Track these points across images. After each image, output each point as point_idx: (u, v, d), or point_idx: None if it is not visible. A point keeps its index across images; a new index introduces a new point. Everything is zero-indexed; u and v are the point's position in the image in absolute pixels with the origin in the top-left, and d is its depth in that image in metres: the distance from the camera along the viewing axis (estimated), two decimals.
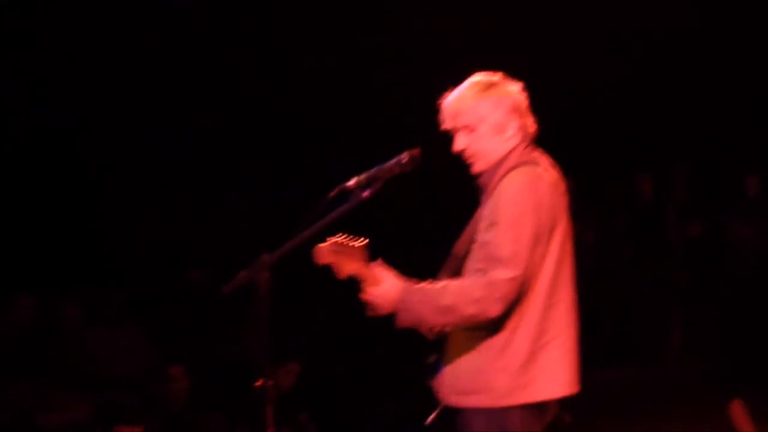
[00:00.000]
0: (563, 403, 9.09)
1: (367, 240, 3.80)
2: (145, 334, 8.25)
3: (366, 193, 3.80)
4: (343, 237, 3.77)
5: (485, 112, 3.83)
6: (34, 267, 8.72)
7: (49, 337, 7.83)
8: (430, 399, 3.94)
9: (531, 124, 3.91)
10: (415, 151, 3.86)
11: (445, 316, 3.70)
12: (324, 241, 3.81)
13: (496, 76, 3.91)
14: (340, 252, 3.75)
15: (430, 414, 3.93)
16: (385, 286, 3.77)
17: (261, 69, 10.11)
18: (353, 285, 3.85)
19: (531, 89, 3.93)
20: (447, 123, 3.90)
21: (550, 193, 3.75)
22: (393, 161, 3.85)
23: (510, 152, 3.84)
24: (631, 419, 8.94)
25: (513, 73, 3.96)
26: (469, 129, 3.86)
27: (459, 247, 3.89)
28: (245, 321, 3.81)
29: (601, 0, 10.37)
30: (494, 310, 3.64)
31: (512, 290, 3.65)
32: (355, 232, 3.76)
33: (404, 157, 3.84)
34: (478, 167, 3.88)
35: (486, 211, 3.76)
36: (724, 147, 11.16)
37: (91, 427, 5.89)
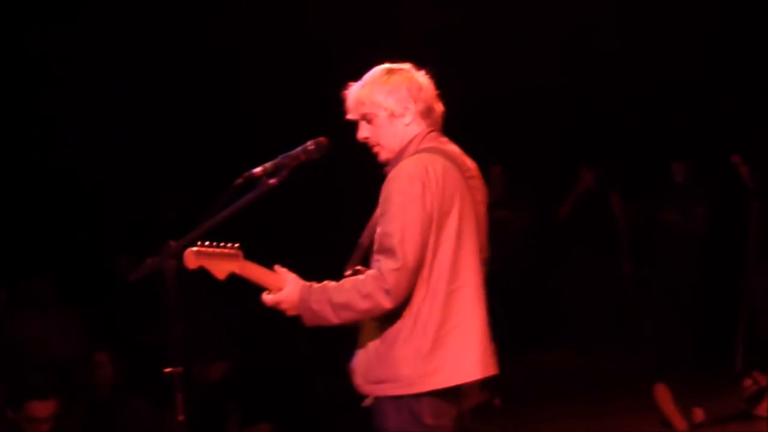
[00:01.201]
0: (492, 387, 9.23)
1: (238, 243, 3.78)
2: (74, 320, 8.24)
3: (273, 181, 3.80)
4: (209, 242, 3.73)
5: (381, 100, 3.85)
6: None
7: None
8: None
9: (435, 111, 3.92)
10: (322, 139, 3.87)
11: (343, 313, 3.72)
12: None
13: (402, 66, 3.93)
14: (207, 256, 3.72)
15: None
16: (286, 290, 3.77)
17: (191, 56, 10.06)
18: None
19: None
20: (350, 113, 3.93)
21: (440, 180, 3.75)
22: (299, 149, 3.85)
23: (411, 141, 3.86)
24: (561, 404, 9.04)
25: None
26: (369, 118, 3.89)
27: (364, 237, 3.91)
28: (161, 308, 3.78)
29: None
30: (386, 302, 3.67)
31: (400, 281, 3.66)
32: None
33: (310, 144, 3.85)
34: (383, 156, 3.92)
35: (380, 199, 3.78)
36: (652, 135, 11.27)
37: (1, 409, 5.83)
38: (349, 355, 3.92)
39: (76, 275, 8.80)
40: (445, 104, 4.01)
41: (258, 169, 3.82)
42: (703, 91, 10.82)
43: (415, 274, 3.71)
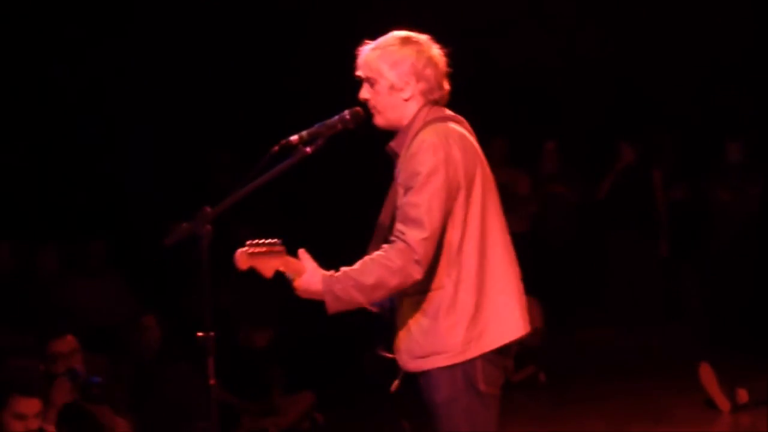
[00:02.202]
0: (538, 362, 9.20)
1: (281, 239, 3.80)
2: (123, 283, 8.34)
3: (309, 149, 3.84)
4: (258, 240, 3.77)
5: (385, 69, 3.85)
6: (12, 215, 8.75)
7: (25, 285, 7.91)
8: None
9: (441, 90, 3.91)
10: (358, 109, 3.90)
11: (373, 293, 3.73)
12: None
13: (418, 36, 3.92)
14: (258, 254, 3.77)
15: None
16: (306, 277, 3.79)
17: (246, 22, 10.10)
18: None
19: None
20: (358, 71, 3.94)
21: (460, 147, 3.78)
22: (336, 118, 3.88)
23: (416, 116, 3.86)
24: (605, 381, 9.02)
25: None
26: (371, 82, 3.89)
27: (383, 216, 3.92)
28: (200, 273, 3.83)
29: None
30: (416, 273, 3.69)
31: (428, 250, 3.69)
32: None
33: (347, 114, 3.88)
34: (378, 121, 3.92)
35: (402, 176, 3.79)
36: (707, 113, 11.14)
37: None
38: (381, 336, 3.94)
39: (126, 240, 8.88)
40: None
41: (294, 137, 3.85)
42: (758, 68, 10.67)
43: (448, 242, 3.74)
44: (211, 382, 3.87)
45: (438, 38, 3.96)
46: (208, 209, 3.77)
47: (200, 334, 3.81)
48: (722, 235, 10.48)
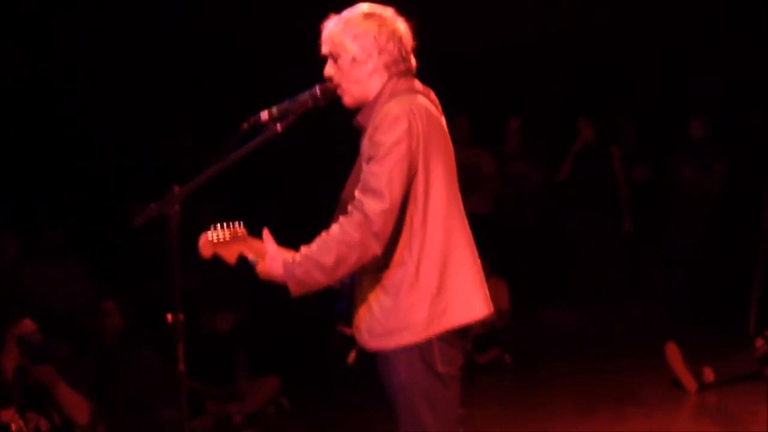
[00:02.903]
0: (503, 343, 9.18)
1: (243, 222, 3.77)
2: (83, 268, 8.22)
3: (279, 127, 3.77)
4: (220, 225, 3.72)
5: (347, 43, 3.79)
6: None
7: None
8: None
9: (405, 61, 3.84)
10: (330, 84, 3.82)
11: (335, 272, 3.66)
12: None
13: (382, 10, 3.86)
14: (222, 242, 3.71)
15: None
16: (267, 262, 3.73)
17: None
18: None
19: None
20: (322, 47, 3.87)
21: (424, 120, 3.72)
22: (306, 94, 3.81)
23: (381, 90, 3.80)
24: (570, 362, 9.02)
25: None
26: (334, 57, 3.84)
27: (347, 190, 3.85)
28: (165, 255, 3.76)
29: None
30: (375, 246, 3.62)
31: (387, 222, 3.63)
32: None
33: (317, 89, 3.81)
34: (346, 100, 3.86)
35: (366, 148, 3.73)
36: (669, 91, 11.16)
37: None
38: (340, 314, 3.88)
39: (85, 224, 8.77)
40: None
41: (264, 114, 3.78)
42: (722, 48, 10.71)
43: (398, 214, 3.67)
44: (180, 367, 3.79)
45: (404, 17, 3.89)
46: (177, 188, 3.70)
47: (169, 316, 3.73)
48: (685, 213, 10.50)
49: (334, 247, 3.62)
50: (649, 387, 7.91)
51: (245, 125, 3.75)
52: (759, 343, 7.80)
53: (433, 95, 3.90)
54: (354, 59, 3.79)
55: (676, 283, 10.59)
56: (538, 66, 11.10)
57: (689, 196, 10.46)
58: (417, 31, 3.90)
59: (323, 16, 3.89)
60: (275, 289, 3.83)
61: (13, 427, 5.60)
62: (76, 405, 5.96)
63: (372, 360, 3.84)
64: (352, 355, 3.87)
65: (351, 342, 3.86)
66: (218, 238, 3.72)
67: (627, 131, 11.07)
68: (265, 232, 3.77)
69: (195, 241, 3.78)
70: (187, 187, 3.71)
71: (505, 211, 10.72)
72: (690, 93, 10.97)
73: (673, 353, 7.81)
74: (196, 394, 7.37)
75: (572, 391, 8.04)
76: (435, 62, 10.13)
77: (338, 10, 3.88)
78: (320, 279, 3.67)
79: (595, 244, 10.62)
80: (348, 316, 3.86)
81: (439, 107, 3.90)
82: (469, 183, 10.23)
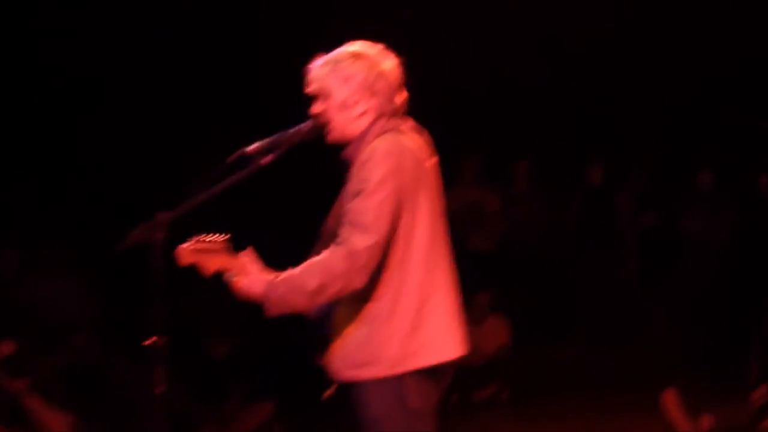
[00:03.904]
0: (501, 380, 9.16)
1: (228, 235, 3.77)
2: (84, 286, 8.26)
3: (266, 160, 3.80)
4: (203, 236, 3.74)
5: (335, 86, 3.81)
6: None
7: None
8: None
9: (395, 103, 3.86)
10: (318, 121, 3.86)
11: (315, 299, 3.68)
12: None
13: (370, 49, 3.87)
14: (201, 251, 3.73)
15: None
16: (248, 280, 3.75)
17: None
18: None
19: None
20: (309, 87, 3.89)
21: (413, 158, 3.75)
22: (294, 129, 3.85)
23: (369, 128, 3.81)
24: (568, 401, 9.00)
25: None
26: (322, 98, 3.85)
27: (330, 223, 3.87)
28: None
29: None
30: (358, 279, 3.64)
31: (373, 257, 3.64)
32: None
33: (306, 126, 3.85)
34: (330, 137, 3.88)
35: (352, 182, 3.74)
36: (680, 141, 11.15)
37: None
38: (315, 344, 3.90)
39: (86, 243, 8.80)
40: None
41: (252, 147, 3.81)
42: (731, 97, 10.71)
43: (392, 251, 3.69)
44: (157, 390, 3.81)
45: (409, 58, 3.91)
46: (162, 216, 3.73)
47: (149, 341, 3.76)
48: (693, 262, 10.49)
49: (318, 274, 3.65)
50: (645, 429, 7.87)
51: (232, 157, 3.79)
52: (757, 395, 7.77)
53: (426, 135, 3.93)
54: (344, 103, 3.81)
55: (680, 328, 10.55)
56: (550, 108, 11.12)
57: (695, 244, 10.46)
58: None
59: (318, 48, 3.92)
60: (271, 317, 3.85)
61: None
62: (52, 419, 5.98)
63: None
64: (328, 391, 3.89)
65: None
66: (197, 247, 3.73)
67: (637, 176, 11.08)
68: (249, 250, 3.79)
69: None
70: (173, 215, 3.73)
71: (510, 250, 10.75)
72: (702, 143, 10.96)
73: (670, 400, 7.79)
74: (190, 416, 7.39)
75: (567, 429, 8.02)
76: (448, 99, 10.22)
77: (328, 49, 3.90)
78: (299, 303, 3.70)
79: (601, 285, 10.62)
80: (322, 346, 3.87)
81: (432, 147, 3.92)
82: (473, 220, 10.34)
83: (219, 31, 10.06)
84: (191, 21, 9.96)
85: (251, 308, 3.90)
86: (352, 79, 3.81)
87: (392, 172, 3.68)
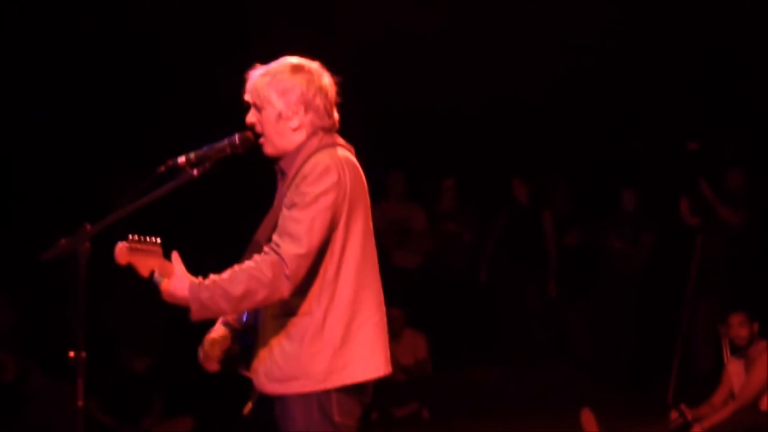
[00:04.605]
0: (422, 398, 9.14)
1: (160, 237, 3.72)
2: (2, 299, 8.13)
3: (195, 172, 3.77)
4: (138, 236, 3.70)
5: (273, 97, 3.79)
6: None
7: None
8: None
9: (329, 117, 3.85)
10: (248, 133, 3.83)
11: (240, 304, 3.66)
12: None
13: (309, 64, 3.86)
14: (139, 251, 3.67)
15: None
16: (173, 282, 3.69)
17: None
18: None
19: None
20: (246, 95, 3.86)
21: (350, 175, 3.75)
22: (225, 141, 3.81)
23: (304, 142, 3.80)
24: (488, 420, 9.03)
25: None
26: (258, 108, 3.83)
27: (261, 232, 3.85)
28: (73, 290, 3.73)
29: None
30: (285, 288, 3.63)
31: (300, 267, 3.64)
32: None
33: (236, 138, 3.81)
34: (267, 150, 3.86)
35: (289, 194, 3.72)
36: (604, 161, 11.27)
37: None
38: (242, 355, 3.86)
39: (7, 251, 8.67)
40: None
41: (182, 159, 3.77)
42: (661, 118, 10.85)
43: (312, 262, 3.68)
44: (80, 403, 3.75)
45: (343, 74, 3.89)
46: (88, 226, 3.68)
47: (72, 354, 3.70)
48: (613, 281, 10.62)
49: (244, 280, 3.62)
50: None
51: (162, 168, 3.75)
52: (674, 415, 7.88)
53: (353, 151, 3.92)
54: (280, 115, 3.79)
55: (599, 347, 10.67)
56: (476, 127, 11.17)
57: (617, 264, 10.59)
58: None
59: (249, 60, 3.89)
60: (194, 330, 3.81)
61: None
62: None
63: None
64: (248, 406, 3.86)
65: (249, 389, 3.85)
66: (134, 246, 3.68)
67: (560, 195, 11.19)
68: (174, 254, 3.73)
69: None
70: (99, 225, 3.68)
71: (434, 267, 10.78)
72: (625, 162, 11.09)
73: (587, 420, 7.87)
74: (108, 430, 7.32)
75: None
76: (376, 116, 10.19)
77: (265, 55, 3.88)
78: (224, 307, 3.67)
79: (523, 304, 10.69)
80: (248, 358, 3.84)
81: (358, 164, 3.91)
82: (400, 237, 10.36)
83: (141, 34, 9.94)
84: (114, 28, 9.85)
85: (171, 321, 3.86)
86: (291, 92, 3.79)
87: (332, 187, 3.68)
